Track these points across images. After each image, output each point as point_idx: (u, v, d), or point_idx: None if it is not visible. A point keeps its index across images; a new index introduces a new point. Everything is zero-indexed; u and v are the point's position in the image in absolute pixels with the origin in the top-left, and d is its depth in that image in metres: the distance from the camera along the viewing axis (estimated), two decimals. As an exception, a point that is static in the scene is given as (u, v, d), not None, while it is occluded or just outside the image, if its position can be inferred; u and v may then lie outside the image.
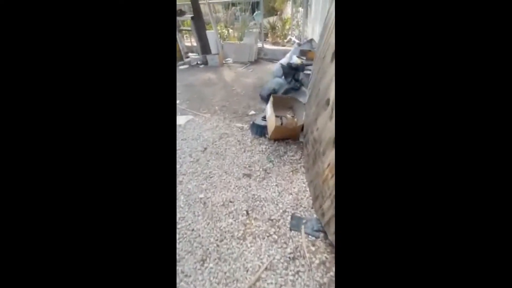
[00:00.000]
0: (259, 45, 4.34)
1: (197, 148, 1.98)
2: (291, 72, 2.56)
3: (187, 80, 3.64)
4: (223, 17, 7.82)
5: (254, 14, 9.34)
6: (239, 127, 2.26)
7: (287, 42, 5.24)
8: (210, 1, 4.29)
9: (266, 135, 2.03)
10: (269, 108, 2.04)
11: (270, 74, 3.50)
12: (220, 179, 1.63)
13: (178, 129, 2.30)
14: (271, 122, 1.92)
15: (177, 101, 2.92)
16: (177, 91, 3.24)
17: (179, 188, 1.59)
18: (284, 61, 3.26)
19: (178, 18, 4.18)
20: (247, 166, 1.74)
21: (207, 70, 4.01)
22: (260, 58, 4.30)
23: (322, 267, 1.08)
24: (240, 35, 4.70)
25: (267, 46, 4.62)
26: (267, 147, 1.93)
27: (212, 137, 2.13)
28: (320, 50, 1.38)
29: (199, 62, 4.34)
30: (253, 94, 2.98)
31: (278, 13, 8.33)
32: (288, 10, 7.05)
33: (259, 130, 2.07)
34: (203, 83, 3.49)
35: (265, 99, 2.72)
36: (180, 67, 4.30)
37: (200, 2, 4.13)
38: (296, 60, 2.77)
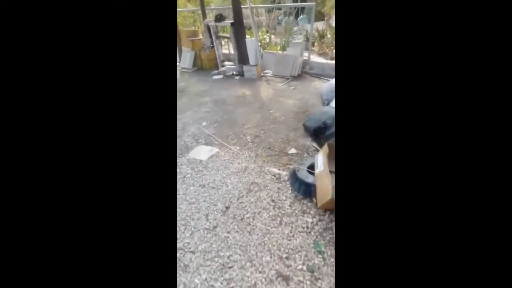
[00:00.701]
0: (305, 57, 3.73)
1: (216, 205, 1.49)
2: (352, 103, 1.91)
3: (219, 95, 3.23)
4: (265, 21, 7.38)
5: (299, 18, 8.70)
6: (275, 174, 1.71)
7: (337, 53, 4.53)
8: (253, 6, 3.84)
9: (313, 198, 1.44)
10: (320, 160, 1.45)
11: (317, 96, 2.88)
12: (242, 276, 1.10)
13: (199, 167, 1.84)
14: (324, 183, 1.33)
15: (204, 123, 2.50)
16: (206, 109, 2.83)
17: (182, 280, 1.09)
18: (337, 82, 2.61)
19: (217, 24, 3.81)
20: (284, 255, 1.17)
21: (243, 84, 3.55)
22: (304, 72, 3.70)
23: None
24: (283, 43, 4.16)
25: (314, 58, 3.99)
26: (315, 221, 1.34)
27: (238, 187, 1.62)
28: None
29: (234, 73, 3.92)
30: (295, 122, 2.40)
31: (326, 18, 7.58)
32: (339, 16, 6.30)
33: (303, 189, 1.49)
34: (237, 100, 3.02)
35: (311, 133, 2.13)
36: (214, 77, 3.93)
37: (242, 6, 3.70)
38: (358, 85, 2.10)
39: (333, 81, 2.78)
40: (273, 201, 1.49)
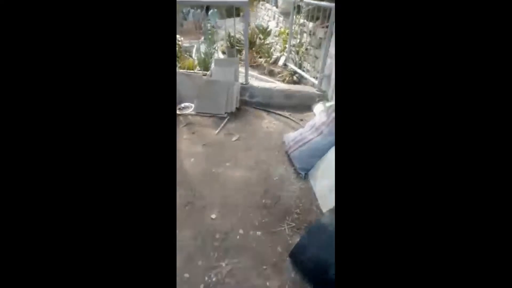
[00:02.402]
0: (241, 78, 2.56)
1: None
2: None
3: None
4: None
5: (210, 12, 7.31)
6: None
7: (273, 64, 3.60)
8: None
9: None
10: None
11: (279, 153, 1.80)
12: None
13: None
14: None
15: None
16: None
17: None
18: (317, 141, 1.59)
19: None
20: None
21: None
22: (244, 102, 2.54)
23: None
24: (203, 58, 2.82)
25: (250, 77, 2.88)
26: None
27: None
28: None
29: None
30: (265, 241, 1.24)
31: (242, 14, 6.61)
32: (262, 13, 5.40)
33: None
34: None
35: (308, 277, 1.04)
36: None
37: None
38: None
39: (302, 130, 1.76)
40: None
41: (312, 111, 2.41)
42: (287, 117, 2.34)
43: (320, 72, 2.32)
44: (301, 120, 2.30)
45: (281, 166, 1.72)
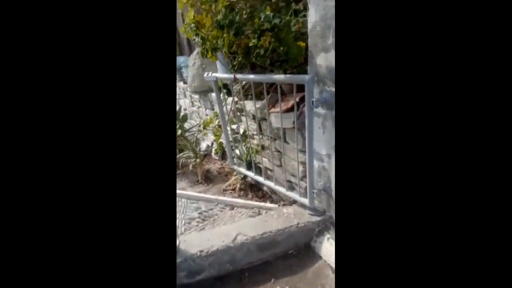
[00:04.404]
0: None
1: None
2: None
3: None
4: None
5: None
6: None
7: (205, 160, 2.45)
8: None
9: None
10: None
11: None
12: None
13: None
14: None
15: None
16: None
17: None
18: None
19: None
20: None
21: None
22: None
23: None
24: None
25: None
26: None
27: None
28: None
29: None
30: None
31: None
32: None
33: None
34: None
35: None
36: None
37: None
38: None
39: None
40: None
41: (321, 257, 1.27)
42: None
43: (309, 186, 1.28)
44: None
45: None
